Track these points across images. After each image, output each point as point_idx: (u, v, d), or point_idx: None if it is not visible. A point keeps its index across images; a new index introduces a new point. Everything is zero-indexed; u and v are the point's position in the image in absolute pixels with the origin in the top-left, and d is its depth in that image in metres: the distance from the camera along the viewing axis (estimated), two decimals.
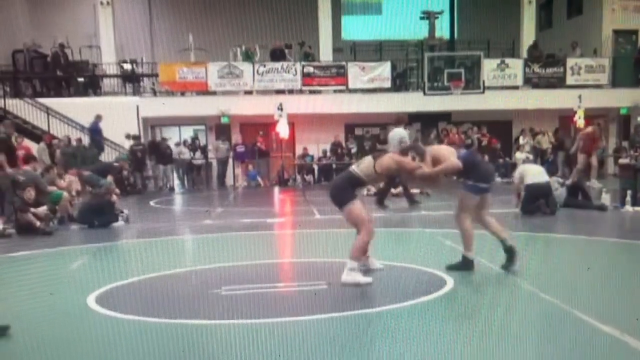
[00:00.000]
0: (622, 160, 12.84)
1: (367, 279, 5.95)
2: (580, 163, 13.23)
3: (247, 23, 22.27)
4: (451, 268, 6.39)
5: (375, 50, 23.24)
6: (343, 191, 6.03)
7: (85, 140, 18.06)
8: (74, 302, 5.55)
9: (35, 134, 17.82)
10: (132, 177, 18.18)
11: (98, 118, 18.00)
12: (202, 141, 21.66)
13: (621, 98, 21.37)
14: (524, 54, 22.25)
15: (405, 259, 7.09)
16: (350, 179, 6.08)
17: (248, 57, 21.25)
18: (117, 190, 12.19)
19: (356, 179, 6.06)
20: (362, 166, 6.09)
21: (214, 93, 20.55)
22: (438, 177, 6.38)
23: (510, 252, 6.37)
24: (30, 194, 10.51)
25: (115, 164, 15.60)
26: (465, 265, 6.40)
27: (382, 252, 7.54)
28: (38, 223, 10.11)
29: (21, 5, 22.92)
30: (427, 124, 21.76)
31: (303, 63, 20.92)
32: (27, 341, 4.59)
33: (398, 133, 12.39)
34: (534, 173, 11.16)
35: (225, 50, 21.49)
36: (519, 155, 18.04)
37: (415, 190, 15.94)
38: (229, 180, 20.90)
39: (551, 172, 14.53)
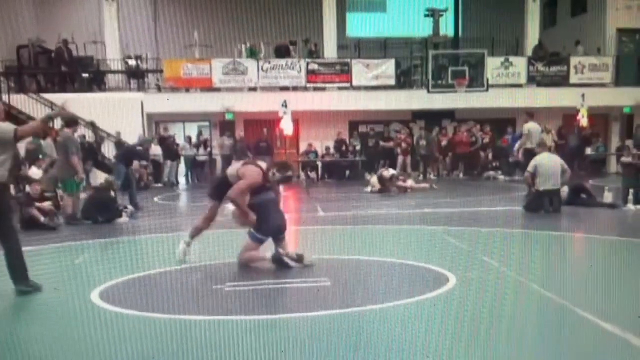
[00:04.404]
0: (624, 159, 12.82)
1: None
2: None
3: (251, 20, 22.34)
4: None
5: (380, 48, 23.28)
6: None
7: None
8: (78, 298, 5.59)
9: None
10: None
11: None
12: (205, 137, 21.64)
13: (625, 97, 21.36)
14: (528, 52, 22.22)
15: (407, 256, 7.11)
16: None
17: (253, 54, 21.24)
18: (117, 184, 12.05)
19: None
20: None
21: (218, 90, 20.55)
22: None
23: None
24: (35, 189, 10.58)
25: (139, 148, 14.86)
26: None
27: (385, 249, 7.61)
28: (43, 218, 10.14)
29: (26, 1, 22.96)
30: (431, 122, 21.81)
31: (308, 60, 20.93)
32: (30, 336, 4.63)
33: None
34: (546, 176, 10.91)
35: (230, 47, 21.50)
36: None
37: (425, 184, 16.01)
38: None
39: None
